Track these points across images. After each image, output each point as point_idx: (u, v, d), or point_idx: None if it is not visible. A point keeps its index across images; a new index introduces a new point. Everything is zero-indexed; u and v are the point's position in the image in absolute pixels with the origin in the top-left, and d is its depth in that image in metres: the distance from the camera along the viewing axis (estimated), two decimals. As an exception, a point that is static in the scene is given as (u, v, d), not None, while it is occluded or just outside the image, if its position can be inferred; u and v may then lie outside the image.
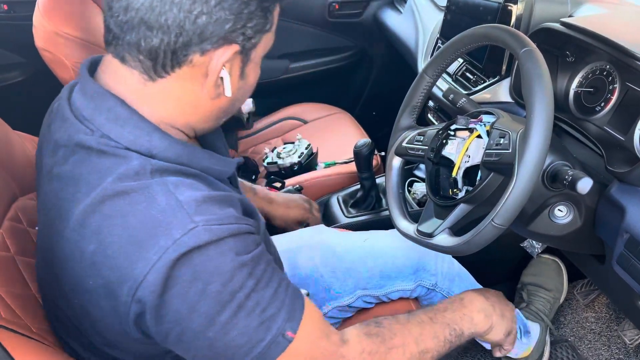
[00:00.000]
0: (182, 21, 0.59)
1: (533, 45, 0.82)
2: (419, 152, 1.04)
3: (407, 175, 1.15)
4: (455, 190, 0.97)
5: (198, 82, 0.65)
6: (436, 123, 1.58)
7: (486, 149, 0.89)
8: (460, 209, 0.92)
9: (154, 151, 0.64)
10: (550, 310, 1.49)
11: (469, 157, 0.95)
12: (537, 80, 0.78)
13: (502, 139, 0.86)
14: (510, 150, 0.83)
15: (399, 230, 1.03)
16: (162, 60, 0.62)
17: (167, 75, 0.64)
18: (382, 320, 0.81)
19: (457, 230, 0.92)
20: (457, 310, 0.92)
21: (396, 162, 1.10)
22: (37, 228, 0.77)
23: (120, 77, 0.66)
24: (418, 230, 0.96)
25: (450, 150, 0.99)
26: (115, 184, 0.62)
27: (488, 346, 1.18)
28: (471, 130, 0.98)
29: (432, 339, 0.83)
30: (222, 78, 0.66)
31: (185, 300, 0.61)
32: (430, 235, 0.93)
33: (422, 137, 1.04)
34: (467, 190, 0.94)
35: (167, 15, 0.59)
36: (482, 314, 0.95)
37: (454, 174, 0.96)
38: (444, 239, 0.91)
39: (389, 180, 1.11)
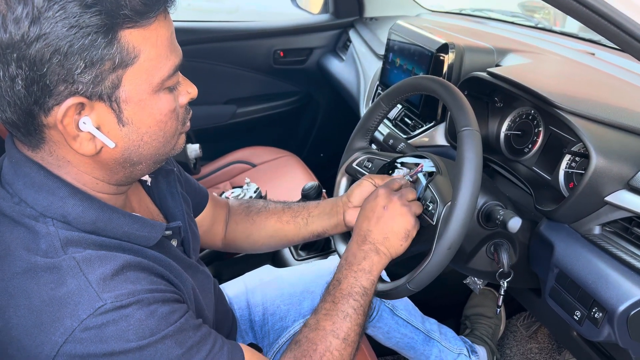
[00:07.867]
0: (7, 93, 0.57)
1: (475, 127, 0.83)
2: None
3: None
4: None
5: (71, 142, 0.61)
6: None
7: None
8: None
9: (69, 217, 0.62)
10: (492, 335, 1.56)
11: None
12: (467, 168, 0.80)
13: (431, 204, 0.89)
14: (434, 223, 0.87)
15: (337, 252, 1.08)
16: (23, 130, 0.61)
17: (44, 143, 0.62)
18: (299, 337, 0.80)
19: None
20: (348, 274, 0.86)
21: (345, 180, 1.13)
22: None
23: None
24: None
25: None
26: (24, 261, 0.59)
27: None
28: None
29: (344, 319, 0.81)
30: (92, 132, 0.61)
31: None
32: None
33: (370, 164, 1.07)
34: None
35: None
36: (369, 257, 0.87)
37: None
38: None
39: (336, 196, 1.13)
